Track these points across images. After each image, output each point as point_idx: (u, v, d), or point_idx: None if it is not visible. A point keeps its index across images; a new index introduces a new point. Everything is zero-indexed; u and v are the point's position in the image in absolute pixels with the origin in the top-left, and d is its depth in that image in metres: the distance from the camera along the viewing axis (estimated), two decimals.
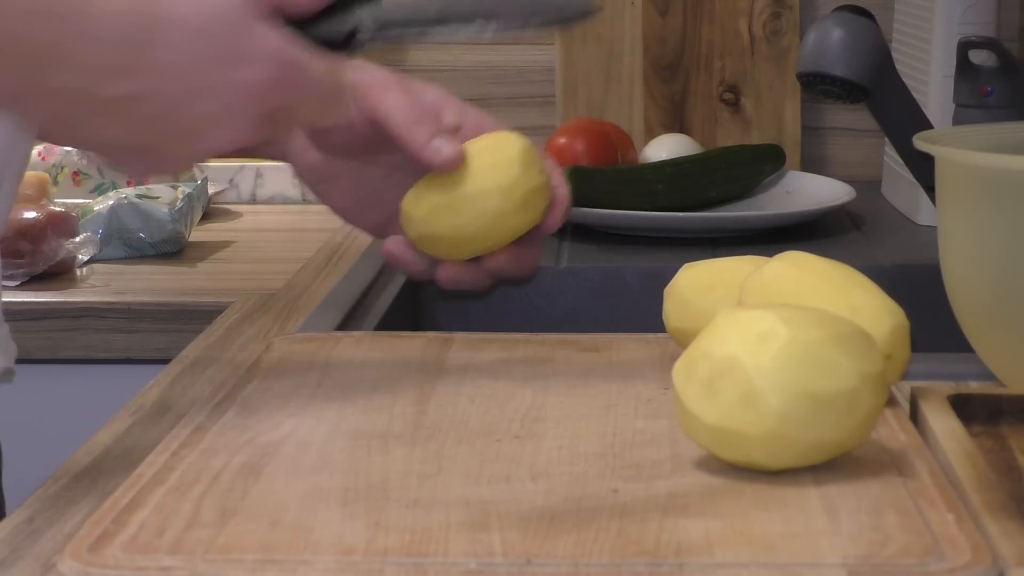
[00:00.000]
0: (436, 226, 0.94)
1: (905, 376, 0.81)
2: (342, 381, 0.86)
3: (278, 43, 0.75)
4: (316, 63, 0.77)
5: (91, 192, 1.69)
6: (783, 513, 0.66)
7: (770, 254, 0.87)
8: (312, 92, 0.77)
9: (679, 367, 0.72)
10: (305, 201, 1.73)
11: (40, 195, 1.62)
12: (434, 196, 0.93)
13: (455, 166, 0.92)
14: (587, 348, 0.93)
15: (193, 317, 1.34)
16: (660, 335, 0.94)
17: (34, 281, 1.43)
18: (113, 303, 1.37)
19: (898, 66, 1.30)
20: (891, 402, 0.80)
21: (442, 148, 0.92)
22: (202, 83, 0.72)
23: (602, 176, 1.49)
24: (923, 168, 1.29)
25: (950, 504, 0.66)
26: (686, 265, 0.92)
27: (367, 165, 0.99)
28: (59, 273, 1.45)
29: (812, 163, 1.79)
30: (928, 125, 1.29)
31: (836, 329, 0.70)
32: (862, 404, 0.70)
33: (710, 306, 0.88)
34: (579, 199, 1.44)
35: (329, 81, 0.78)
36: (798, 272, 0.83)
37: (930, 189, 1.15)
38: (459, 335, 0.97)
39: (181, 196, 1.55)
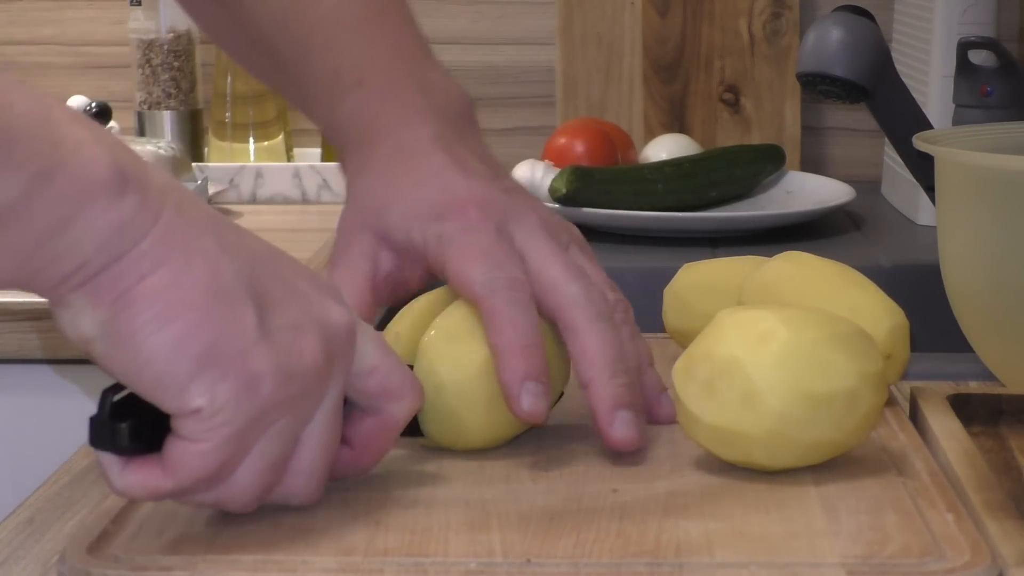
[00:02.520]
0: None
1: (905, 376, 0.81)
2: None
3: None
4: None
5: None
6: (783, 513, 0.66)
7: (770, 254, 0.87)
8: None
9: (679, 367, 0.72)
10: (305, 201, 1.73)
11: None
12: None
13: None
14: None
15: None
16: (660, 335, 0.94)
17: None
18: None
19: (898, 66, 1.30)
20: (891, 402, 0.80)
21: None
22: None
23: (602, 176, 1.49)
24: (923, 168, 1.29)
25: (950, 504, 0.66)
26: (686, 265, 0.92)
27: None
28: None
29: (812, 163, 1.79)
30: (928, 125, 1.29)
31: (836, 329, 0.70)
32: (862, 404, 0.70)
33: (710, 306, 0.88)
34: (579, 199, 1.44)
35: None
36: (798, 272, 0.83)
37: (930, 189, 1.15)
38: None
39: None
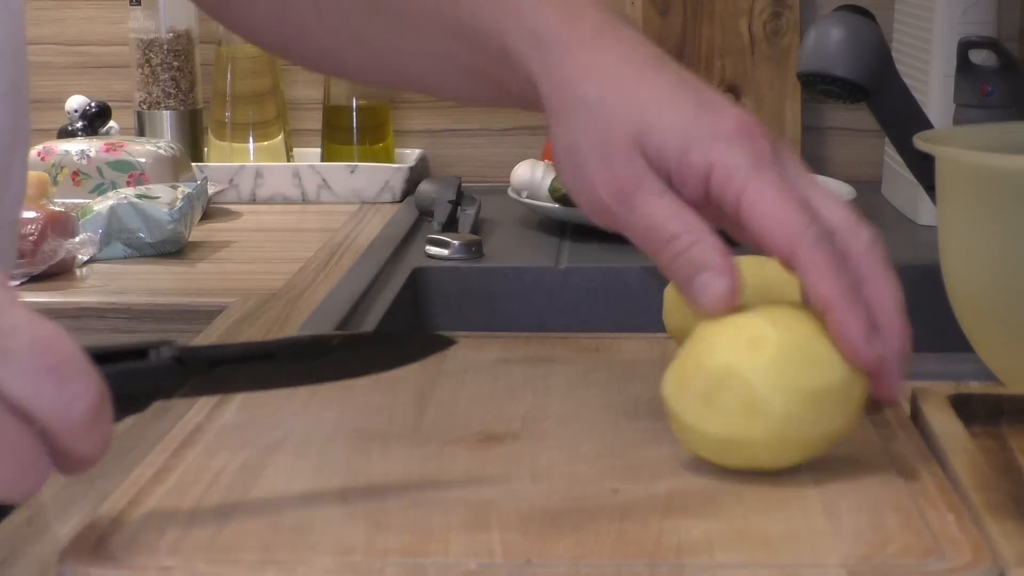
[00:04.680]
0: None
1: (905, 376, 0.81)
2: (342, 381, 0.86)
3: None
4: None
5: (91, 192, 1.69)
6: (783, 513, 0.66)
7: None
8: None
9: (670, 381, 0.71)
10: (305, 201, 1.73)
11: (40, 195, 1.62)
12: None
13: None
14: (587, 348, 0.93)
15: (193, 317, 1.34)
16: (660, 335, 0.93)
17: (34, 281, 1.43)
18: (113, 303, 1.37)
19: (898, 66, 1.30)
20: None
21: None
22: None
23: None
24: (923, 168, 1.29)
25: (950, 504, 0.66)
26: None
27: None
28: (59, 273, 1.45)
29: (812, 163, 1.78)
30: (928, 125, 1.29)
31: (820, 323, 0.70)
32: (855, 391, 0.70)
33: None
34: None
35: None
36: None
37: (930, 189, 1.15)
38: (459, 335, 0.97)
39: (181, 196, 1.55)
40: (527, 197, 1.54)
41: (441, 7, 0.81)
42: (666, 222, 0.70)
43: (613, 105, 0.72)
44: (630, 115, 0.71)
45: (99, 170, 1.69)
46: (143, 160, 1.66)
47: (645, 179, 0.71)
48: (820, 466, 0.71)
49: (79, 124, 1.81)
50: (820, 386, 0.69)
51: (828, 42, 1.25)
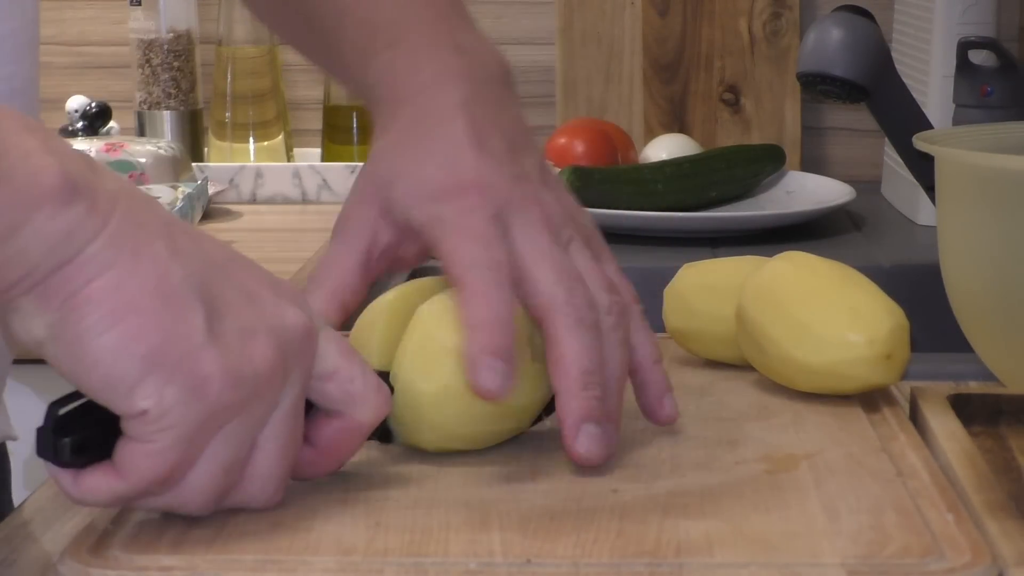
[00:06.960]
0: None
1: (905, 376, 0.81)
2: None
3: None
4: None
5: None
6: (783, 513, 0.66)
7: (770, 254, 0.87)
8: None
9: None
10: (305, 201, 1.73)
11: None
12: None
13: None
14: None
15: None
16: (660, 335, 0.93)
17: None
18: None
19: (898, 66, 1.30)
20: (891, 402, 0.80)
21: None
22: None
23: (602, 176, 1.49)
24: (923, 168, 1.29)
25: (950, 504, 0.66)
26: (686, 265, 0.92)
27: None
28: None
29: (812, 163, 1.79)
30: (928, 125, 1.29)
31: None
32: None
33: (710, 306, 0.88)
34: (579, 199, 1.44)
35: None
36: (798, 272, 0.83)
37: (930, 189, 1.15)
38: None
39: (181, 196, 1.55)
40: None
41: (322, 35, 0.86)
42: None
43: (382, 160, 0.78)
44: (387, 171, 0.77)
45: None
46: (143, 160, 1.66)
47: (354, 240, 0.78)
48: (819, 466, 0.71)
49: (79, 124, 1.81)
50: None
51: (828, 42, 1.25)
